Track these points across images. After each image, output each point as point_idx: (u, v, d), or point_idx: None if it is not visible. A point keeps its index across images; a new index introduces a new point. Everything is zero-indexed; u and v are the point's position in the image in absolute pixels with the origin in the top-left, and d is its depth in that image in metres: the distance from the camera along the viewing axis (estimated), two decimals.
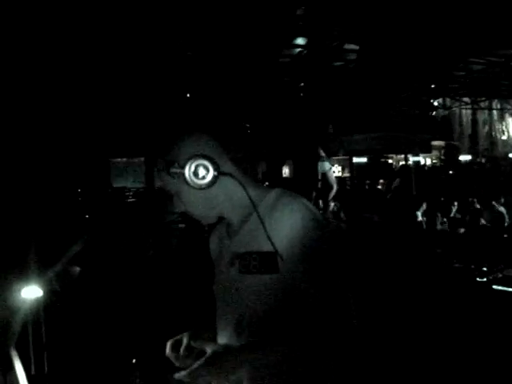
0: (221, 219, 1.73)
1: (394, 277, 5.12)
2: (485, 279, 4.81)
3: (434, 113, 20.46)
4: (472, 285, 4.76)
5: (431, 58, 13.65)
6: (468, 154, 24.98)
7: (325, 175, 8.91)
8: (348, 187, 15.94)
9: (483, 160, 24.45)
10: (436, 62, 14.12)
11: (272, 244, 1.52)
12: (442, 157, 25.35)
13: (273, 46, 11.49)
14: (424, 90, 17.62)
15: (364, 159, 20.19)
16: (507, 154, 24.06)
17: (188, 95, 12.57)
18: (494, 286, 4.59)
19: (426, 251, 6.08)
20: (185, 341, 1.60)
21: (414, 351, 3.85)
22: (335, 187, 9.21)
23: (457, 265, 5.24)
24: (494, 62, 14.89)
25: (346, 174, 21.41)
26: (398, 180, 13.78)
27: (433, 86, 17.47)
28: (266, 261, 1.55)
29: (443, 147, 25.25)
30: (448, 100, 20.89)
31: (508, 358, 3.74)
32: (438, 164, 24.87)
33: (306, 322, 1.53)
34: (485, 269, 4.99)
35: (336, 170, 21.28)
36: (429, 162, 25.32)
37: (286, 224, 1.54)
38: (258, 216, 1.56)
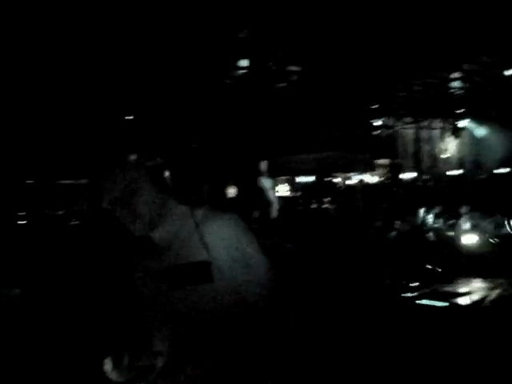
0: (146, 239, 1.76)
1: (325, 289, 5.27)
2: (409, 294, 4.97)
3: (379, 132, 21.04)
4: (397, 300, 4.92)
5: (373, 80, 14.07)
6: (412, 171, 25.67)
7: (263, 192, 9.00)
8: (292, 207, 16.13)
9: (426, 177, 25.16)
10: (377, 83, 14.55)
11: (207, 251, 1.58)
12: (388, 175, 25.97)
13: (217, 67, 11.62)
14: (367, 110, 18.11)
15: (310, 178, 20.49)
16: (447, 171, 24.89)
17: (131, 117, 12.56)
18: (418, 301, 4.75)
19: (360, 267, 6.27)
20: (126, 359, 1.62)
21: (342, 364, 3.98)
22: (275, 205, 9.33)
23: (388, 281, 5.39)
24: (431, 83, 15.49)
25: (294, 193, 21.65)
26: (342, 199, 14.08)
27: (375, 107, 18.00)
28: (199, 271, 1.59)
29: (388, 165, 25.88)
30: (391, 119, 21.50)
31: (429, 368, 3.90)
32: (383, 182, 25.45)
33: (248, 331, 1.59)
34: (415, 284, 5.17)
35: (284, 190, 21.50)
36: (374, 180, 25.86)
37: (216, 237, 1.61)
38: (196, 227, 1.62)
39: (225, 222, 1.64)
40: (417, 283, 4.87)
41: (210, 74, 11.72)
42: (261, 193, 9.03)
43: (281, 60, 12.27)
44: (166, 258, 1.69)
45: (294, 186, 21.45)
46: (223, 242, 1.60)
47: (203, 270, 1.59)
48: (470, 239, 6.53)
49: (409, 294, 4.76)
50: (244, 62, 11.90)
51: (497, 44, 12.16)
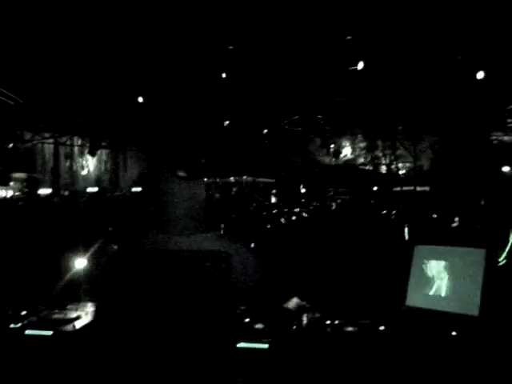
0: None
1: None
2: (19, 324, 4.82)
3: (11, 145, 20.27)
4: (4, 332, 4.70)
5: None
6: (50, 187, 25.43)
7: None
8: None
9: (66, 193, 25.17)
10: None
11: None
12: (25, 189, 25.24)
13: None
14: None
15: None
16: (86, 187, 25.36)
17: None
18: (27, 331, 4.63)
19: None
20: None
21: None
22: None
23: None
24: None
25: None
26: None
27: None
28: None
29: (25, 179, 25.16)
30: (28, 134, 20.92)
31: None
32: (21, 196, 24.62)
33: None
34: (23, 313, 5.01)
35: None
36: (10, 193, 24.84)
37: None
38: None
39: None
40: (24, 312, 4.80)
41: None
42: None
43: None
44: None
45: None
46: None
47: None
48: None
49: (18, 325, 4.66)
50: None
51: None
